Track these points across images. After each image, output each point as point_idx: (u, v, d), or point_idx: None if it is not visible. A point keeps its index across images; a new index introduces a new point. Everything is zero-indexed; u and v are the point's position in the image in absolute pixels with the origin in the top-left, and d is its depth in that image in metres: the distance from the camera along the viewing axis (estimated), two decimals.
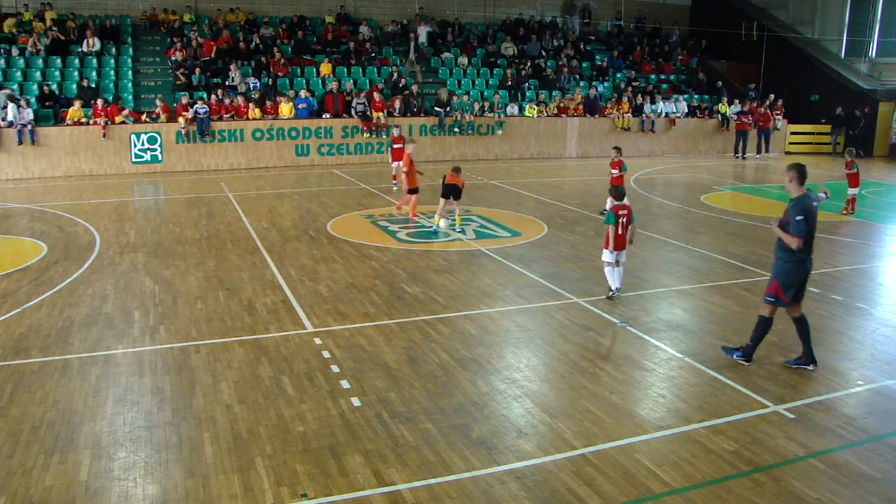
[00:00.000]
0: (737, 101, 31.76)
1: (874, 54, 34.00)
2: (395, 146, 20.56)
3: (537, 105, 29.50)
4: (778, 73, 34.49)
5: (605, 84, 32.31)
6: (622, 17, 37.14)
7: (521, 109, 29.36)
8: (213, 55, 27.83)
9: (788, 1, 36.65)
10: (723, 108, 31.63)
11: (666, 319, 10.23)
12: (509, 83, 30.47)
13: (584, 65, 33.32)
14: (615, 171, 17.04)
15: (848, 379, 8.28)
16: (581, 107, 30.03)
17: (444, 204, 15.24)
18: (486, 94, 29.51)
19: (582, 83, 31.78)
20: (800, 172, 8.11)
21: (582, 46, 34.77)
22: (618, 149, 17.46)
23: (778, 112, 31.82)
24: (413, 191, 16.25)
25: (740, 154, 30.59)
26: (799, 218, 7.96)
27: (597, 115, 30.07)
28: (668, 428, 7.04)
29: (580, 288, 11.45)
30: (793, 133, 32.89)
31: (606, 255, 10.89)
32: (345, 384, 7.89)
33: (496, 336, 9.59)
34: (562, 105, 29.89)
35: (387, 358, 8.65)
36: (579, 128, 29.76)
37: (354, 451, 6.52)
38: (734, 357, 8.62)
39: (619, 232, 10.78)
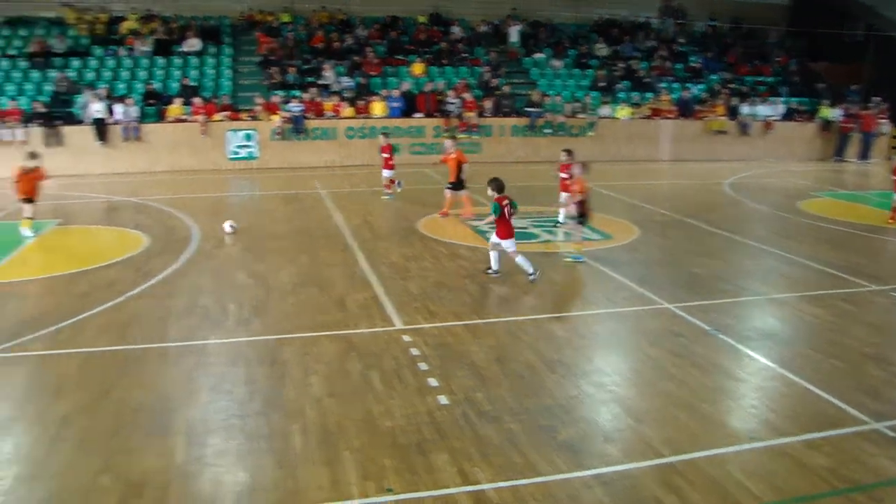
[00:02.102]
0: (839, 103, 30.65)
1: None
2: (384, 155, 19.11)
3: (630, 107, 29.11)
4: (884, 75, 33.05)
5: (700, 86, 31.61)
6: (718, 17, 36.26)
7: (613, 111, 29.01)
8: (265, 51, 28.41)
9: None
10: (824, 111, 30.57)
11: (759, 328, 9.98)
12: (601, 84, 30.14)
13: (677, 66, 32.69)
14: (564, 175, 15.53)
15: None
16: (674, 109, 29.47)
17: (577, 228, 13.40)
18: (577, 95, 29.28)
19: (674, 85, 31.21)
20: None
21: (676, 47, 34.11)
22: (568, 151, 15.87)
23: (882, 116, 30.52)
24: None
25: (840, 158, 29.66)
26: None
27: (690, 118, 29.47)
28: (760, 440, 6.85)
29: (671, 293, 11.25)
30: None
31: (506, 244, 11.58)
32: (433, 382, 7.95)
33: (584, 339, 9.53)
34: (655, 107, 29.40)
35: (475, 357, 8.68)
36: (672, 130, 29.21)
37: (441, 449, 6.57)
38: None
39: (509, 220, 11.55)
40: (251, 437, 6.79)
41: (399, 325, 9.76)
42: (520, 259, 11.54)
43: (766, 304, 11.06)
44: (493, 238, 11.69)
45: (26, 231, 14.59)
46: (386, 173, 19.27)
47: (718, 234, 15.54)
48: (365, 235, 14.88)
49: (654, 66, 32.07)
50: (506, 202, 11.46)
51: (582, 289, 11.57)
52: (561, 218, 15.86)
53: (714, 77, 32.43)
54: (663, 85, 31.04)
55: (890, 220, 16.76)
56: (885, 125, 30.61)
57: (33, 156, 15.06)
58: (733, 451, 6.66)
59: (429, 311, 10.34)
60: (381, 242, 14.34)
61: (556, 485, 6.07)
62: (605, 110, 28.85)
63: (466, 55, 30.77)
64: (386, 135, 19.76)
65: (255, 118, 25.36)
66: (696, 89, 31.13)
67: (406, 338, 9.26)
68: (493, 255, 11.89)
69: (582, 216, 12.92)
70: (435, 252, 13.64)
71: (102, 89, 24.62)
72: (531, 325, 9.82)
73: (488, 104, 27.55)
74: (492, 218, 11.57)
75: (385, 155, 19.13)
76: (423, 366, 8.39)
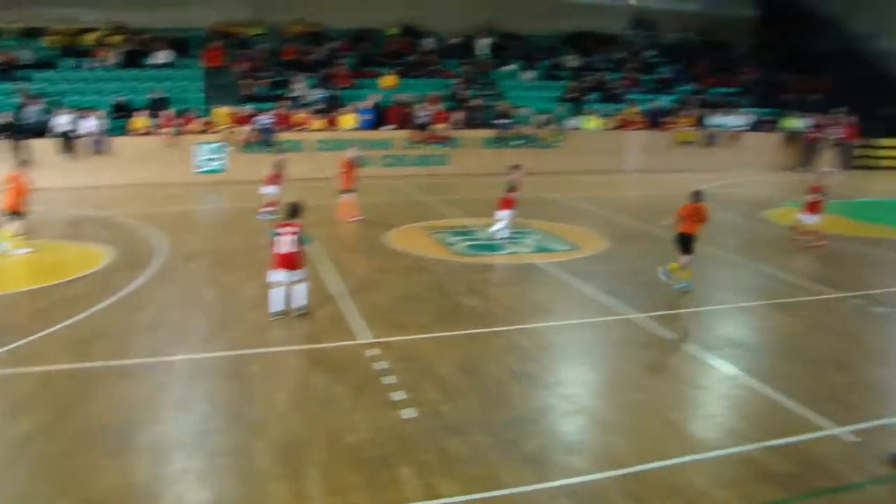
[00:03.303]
0: (806, 114, 30.95)
1: None
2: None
3: (599, 118, 29.26)
4: (849, 86, 33.41)
5: (669, 97, 31.85)
6: (688, 29, 36.54)
7: (581, 122, 29.14)
8: (217, 64, 28.54)
9: (862, 12, 35.55)
10: (789, 121, 30.87)
11: (724, 337, 10.05)
12: (571, 96, 30.30)
13: (646, 78, 32.94)
14: (513, 195, 15.53)
15: None
16: (644, 120, 29.65)
17: (687, 261, 12.06)
18: (547, 107, 29.42)
19: (643, 96, 31.41)
20: None
21: (645, 59, 34.35)
22: (516, 167, 16.10)
23: (840, 126, 30.77)
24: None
25: (804, 168, 29.91)
26: None
27: (659, 129, 29.67)
28: (724, 447, 6.89)
29: (638, 304, 11.29)
30: (859, 146, 31.69)
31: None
32: (398, 395, 7.91)
33: (551, 350, 9.54)
34: (624, 118, 29.58)
35: (441, 370, 8.64)
36: (640, 141, 29.40)
37: (406, 463, 6.54)
38: None
39: (281, 250, 10.49)
40: (214, 454, 6.71)
41: (365, 338, 9.69)
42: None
43: (732, 313, 11.20)
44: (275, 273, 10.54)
45: (5, 244, 14.19)
46: (274, 190, 18.45)
47: None
48: (332, 248, 14.78)
49: (624, 77, 32.27)
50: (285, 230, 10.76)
51: (549, 300, 11.57)
52: (493, 229, 15.67)
53: (683, 88, 32.70)
54: (632, 96, 31.25)
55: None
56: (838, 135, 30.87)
57: (24, 163, 14.47)
58: (698, 458, 6.69)
59: (396, 323, 10.30)
60: (348, 255, 14.30)
61: (521, 497, 6.05)
62: (573, 122, 28.99)
63: (438, 67, 30.83)
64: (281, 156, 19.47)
65: (227, 131, 25.16)
66: (665, 100, 31.35)
67: (372, 351, 9.20)
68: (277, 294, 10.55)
69: None
70: (402, 264, 13.60)
71: (40, 99, 24.49)
72: (498, 337, 9.81)
73: (458, 116, 27.60)
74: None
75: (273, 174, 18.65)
76: (389, 379, 8.34)
